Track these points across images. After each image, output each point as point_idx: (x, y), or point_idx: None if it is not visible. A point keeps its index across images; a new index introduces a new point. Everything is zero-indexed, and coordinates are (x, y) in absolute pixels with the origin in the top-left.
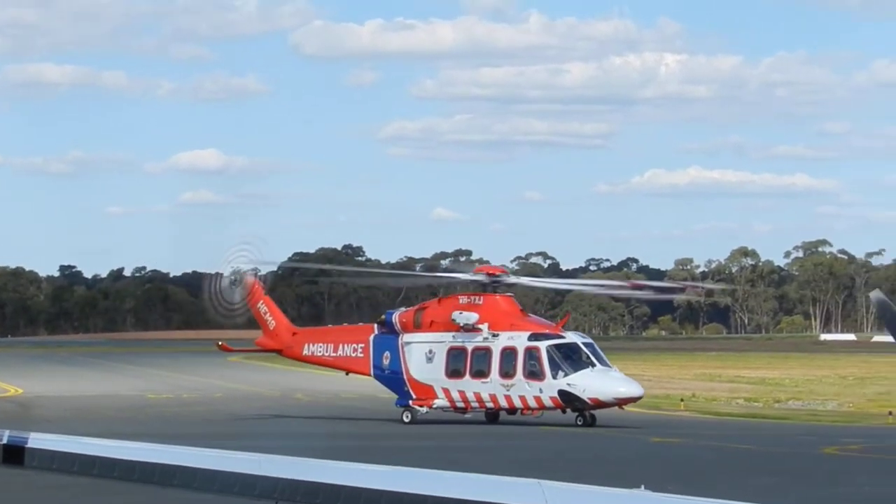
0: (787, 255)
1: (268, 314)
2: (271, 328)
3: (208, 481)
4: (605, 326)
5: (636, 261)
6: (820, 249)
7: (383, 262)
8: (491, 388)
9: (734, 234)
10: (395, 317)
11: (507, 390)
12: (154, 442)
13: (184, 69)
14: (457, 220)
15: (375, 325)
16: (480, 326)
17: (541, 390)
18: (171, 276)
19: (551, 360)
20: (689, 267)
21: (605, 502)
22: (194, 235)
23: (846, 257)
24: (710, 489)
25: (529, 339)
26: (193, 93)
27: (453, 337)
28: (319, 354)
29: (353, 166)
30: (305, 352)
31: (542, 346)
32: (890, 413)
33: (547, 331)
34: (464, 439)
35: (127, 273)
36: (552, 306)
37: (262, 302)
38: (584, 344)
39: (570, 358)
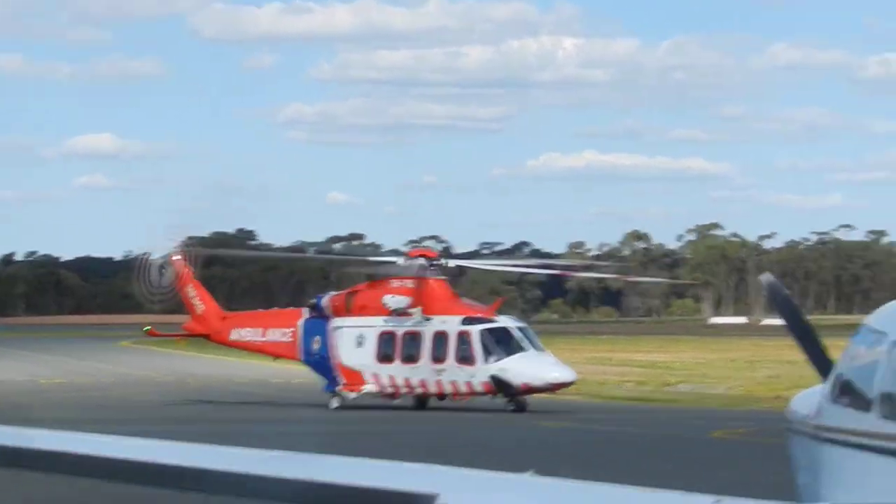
0: (680, 238)
1: (196, 298)
2: (199, 312)
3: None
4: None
5: (528, 244)
6: (712, 233)
7: (276, 245)
8: (421, 374)
9: (628, 217)
10: (326, 301)
11: (438, 375)
12: (50, 428)
13: (81, 52)
14: (351, 204)
15: (305, 310)
16: (412, 311)
17: (472, 375)
18: (63, 260)
19: (483, 344)
20: (581, 250)
21: (492, 487)
22: (89, 220)
23: (738, 240)
24: (600, 473)
25: (462, 323)
26: (90, 76)
27: (384, 321)
28: (248, 339)
29: (250, 150)
30: (233, 336)
31: (474, 330)
32: (777, 396)
33: (479, 315)
34: (367, 423)
35: (18, 258)
36: None
37: (190, 286)
38: (517, 328)
39: (503, 342)
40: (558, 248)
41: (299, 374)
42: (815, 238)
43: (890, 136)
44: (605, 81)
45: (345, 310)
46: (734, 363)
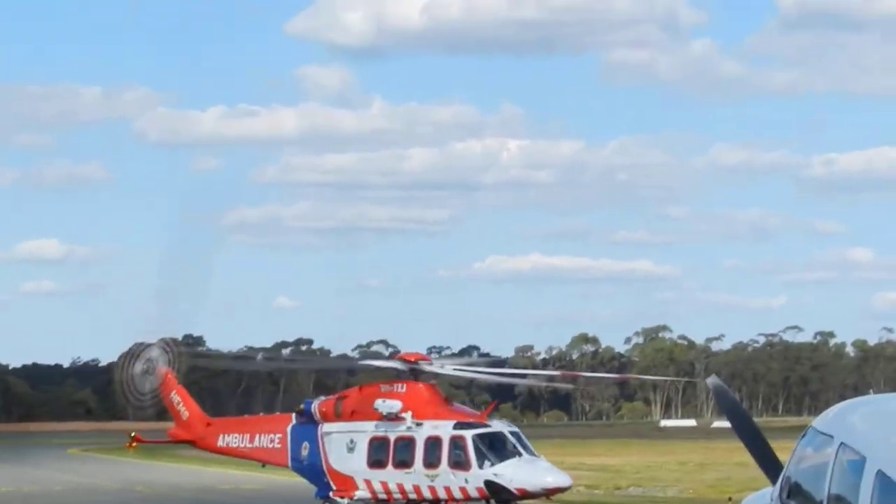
0: (628, 340)
1: (181, 404)
2: (184, 419)
3: None
4: None
5: (477, 348)
6: (660, 335)
7: (224, 351)
8: (414, 479)
9: (575, 320)
10: (315, 406)
11: (432, 481)
12: None
13: (26, 157)
14: (298, 308)
15: (293, 415)
16: (403, 415)
17: (466, 480)
18: (11, 367)
19: (477, 449)
20: (529, 354)
21: None
22: (36, 326)
23: (686, 343)
24: None
25: (455, 427)
26: (35, 181)
27: (375, 426)
28: (235, 445)
29: (196, 254)
30: (220, 443)
31: (468, 435)
32: (729, 499)
33: (472, 420)
34: None
35: None
36: None
37: (174, 392)
38: (511, 433)
39: (497, 447)
40: (506, 351)
41: (250, 479)
42: (762, 340)
43: (835, 235)
44: (549, 183)
45: (334, 415)
46: (684, 466)
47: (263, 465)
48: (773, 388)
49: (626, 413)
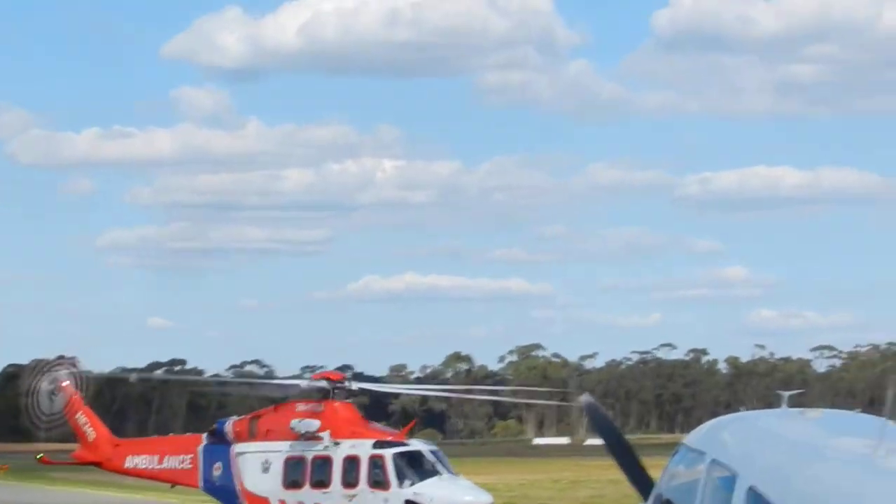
0: (502, 359)
1: (87, 425)
2: (91, 440)
3: None
4: None
5: (351, 367)
6: (534, 353)
7: (96, 372)
8: (332, 499)
9: (449, 339)
10: (228, 426)
11: (350, 501)
12: None
13: None
14: (172, 329)
15: (204, 436)
16: (321, 434)
17: (386, 500)
18: None
19: (397, 468)
20: (403, 373)
21: None
22: None
23: (560, 361)
24: None
25: (374, 446)
26: None
27: (290, 446)
28: (143, 467)
29: (70, 276)
30: (128, 464)
31: (387, 453)
32: None
33: (391, 438)
34: None
35: None
36: None
37: (80, 412)
38: (430, 451)
39: (417, 466)
40: (380, 370)
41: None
42: (636, 357)
43: (709, 253)
44: (425, 203)
45: (249, 435)
46: (558, 484)
47: (172, 486)
48: (645, 405)
49: (500, 431)
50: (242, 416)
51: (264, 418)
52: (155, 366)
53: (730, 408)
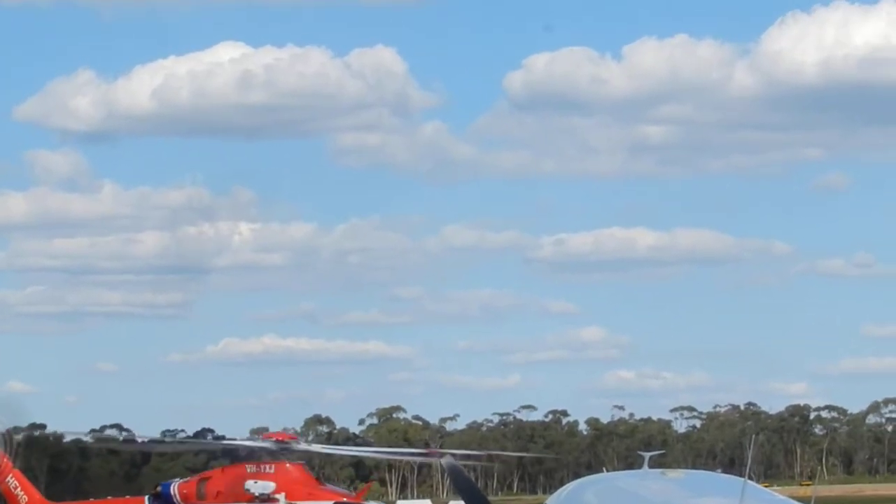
0: (362, 422)
1: (18, 489)
2: None
3: None
4: None
5: (212, 430)
6: (395, 415)
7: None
8: None
9: (309, 402)
10: (174, 488)
11: None
12: None
13: None
14: (31, 394)
15: (146, 498)
16: (277, 496)
17: None
18: None
19: None
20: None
21: None
22: None
23: (420, 423)
24: None
25: None
26: None
27: None
28: None
29: None
30: None
31: None
32: None
33: (349, 500)
34: None
35: None
36: None
37: (10, 476)
38: None
39: None
40: (241, 433)
41: None
42: (497, 419)
43: (566, 315)
44: (281, 265)
45: (196, 497)
46: None
47: None
48: (507, 466)
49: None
50: (188, 479)
51: (213, 480)
52: (14, 430)
53: (591, 468)
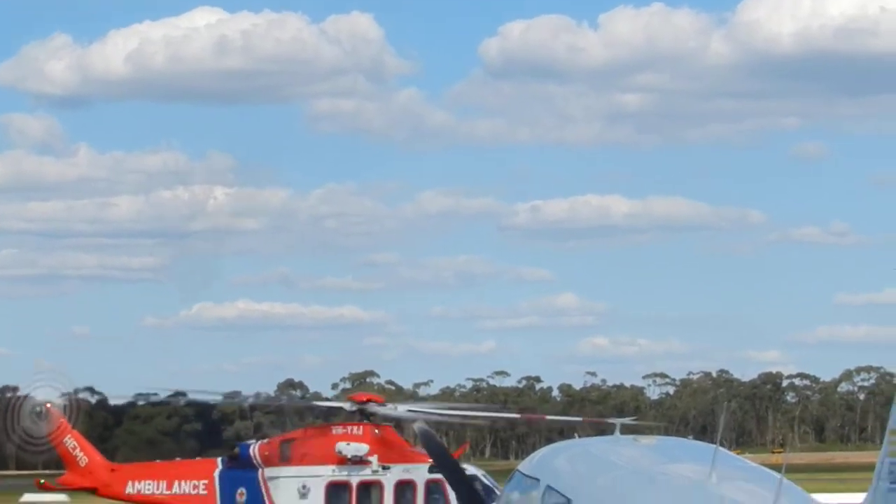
0: (335, 386)
1: (77, 449)
2: (83, 465)
3: None
4: None
5: (184, 394)
6: (368, 380)
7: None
8: None
9: (282, 366)
10: (255, 449)
11: None
12: None
13: None
14: (4, 357)
15: (219, 460)
16: (370, 458)
17: None
18: None
19: None
20: (238, 399)
21: None
22: None
23: (394, 388)
24: None
25: (430, 471)
26: None
27: (332, 470)
28: (149, 492)
29: None
30: (129, 490)
31: None
32: None
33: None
34: None
35: None
36: None
37: (69, 436)
38: (484, 476)
39: None
40: (213, 397)
41: None
42: (470, 384)
43: (540, 282)
44: (257, 230)
45: (280, 459)
46: None
47: None
48: (480, 431)
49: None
50: (269, 440)
51: (299, 441)
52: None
53: (563, 435)
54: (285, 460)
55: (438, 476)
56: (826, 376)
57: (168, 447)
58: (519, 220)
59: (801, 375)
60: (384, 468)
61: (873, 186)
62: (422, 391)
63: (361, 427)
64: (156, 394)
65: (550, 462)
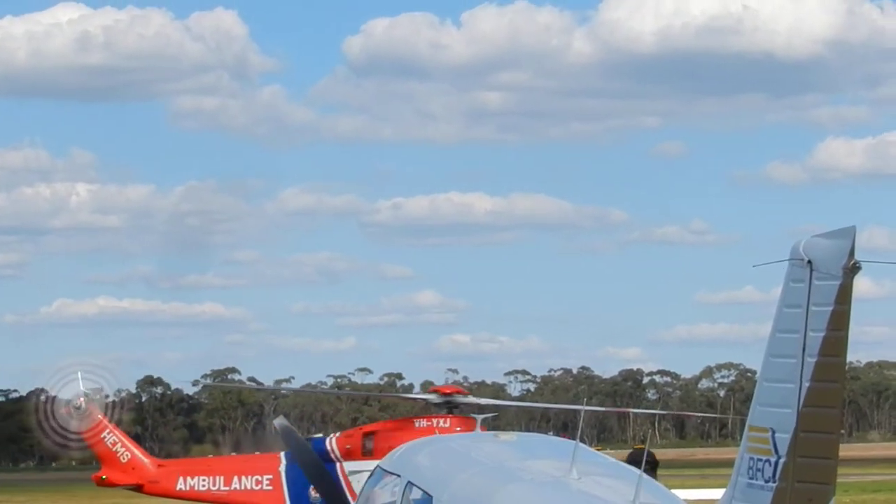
0: (196, 383)
1: (118, 444)
2: (125, 461)
3: None
4: None
5: (46, 391)
6: (229, 377)
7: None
8: None
9: (143, 363)
10: (332, 443)
11: None
12: None
13: None
14: None
15: (282, 455)
16: None
17: None
18: None
19: None
20: (98, 397)
21: None
22: None
23: (255, 385)
24: None
25: None
26: None
27: None
28: (203, 489)
29: None
30: (181, 486)
31: None
32: None
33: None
34: None
35: None
36: None
37: (108, 431)
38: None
39: None
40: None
41: None
42: (331, 381)
43: (401, 279)
44: (118, 227)
45: (362, 453)
46: None
47: None
48: (341, 428)
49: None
50: (347, 432)
51: (383, 434)
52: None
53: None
54: (368, 454)
55: None
56: (686, 373)
57: (30, 443)
58: (381, 218)
59: (662, 372)
60: None
61: (732, 185)
62: (283, 387)
63: (448, 419)
64: (16, 391)
65: (411, 458)
